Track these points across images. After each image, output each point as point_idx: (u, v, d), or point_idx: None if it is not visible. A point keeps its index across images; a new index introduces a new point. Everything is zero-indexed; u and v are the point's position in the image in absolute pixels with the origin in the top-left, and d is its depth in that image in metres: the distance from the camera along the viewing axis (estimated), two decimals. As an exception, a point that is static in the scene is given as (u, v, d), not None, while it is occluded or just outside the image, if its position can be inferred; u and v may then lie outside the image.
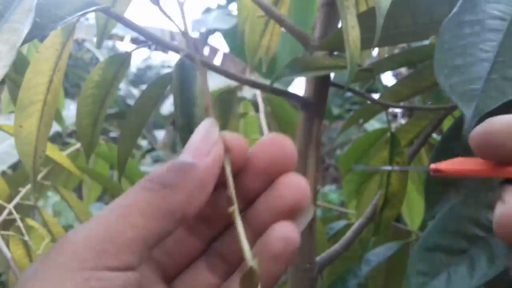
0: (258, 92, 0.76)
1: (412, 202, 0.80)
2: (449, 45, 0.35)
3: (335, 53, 0.49)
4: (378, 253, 0.62)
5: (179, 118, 0.43)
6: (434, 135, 0.59)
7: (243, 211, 0.25)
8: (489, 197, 0.32)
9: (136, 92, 4.19)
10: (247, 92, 1.19)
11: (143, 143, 4.35)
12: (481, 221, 0.32)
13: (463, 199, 0.34)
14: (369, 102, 0.58)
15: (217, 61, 3.61)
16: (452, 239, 0.32)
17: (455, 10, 0.36)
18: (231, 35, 3.99)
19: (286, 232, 0.24)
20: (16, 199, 0.69)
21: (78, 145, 0.80)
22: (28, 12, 0.32)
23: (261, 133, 0.74)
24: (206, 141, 0.24)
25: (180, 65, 0.44)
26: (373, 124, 2.40)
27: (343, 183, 0.73)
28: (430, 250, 0.32)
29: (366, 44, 0.41)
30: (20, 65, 0.62)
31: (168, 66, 5.06)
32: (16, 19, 0.31)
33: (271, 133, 0.26)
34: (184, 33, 0.30)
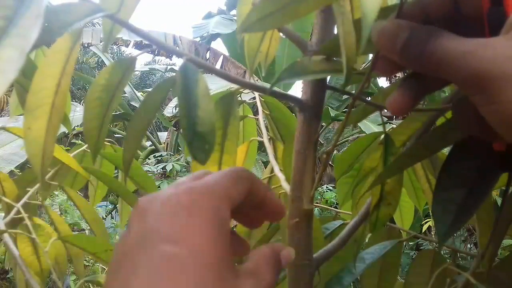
0: (257, 95, 0.78)
1: (402, 205, 0.81)
2: None
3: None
4: (373, 252, 0.64)
5: (183, 120, 0.44)
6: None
7: None
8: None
9: (140, 94, 4.22)
10: (245, 95, 1.20)
11: (147, 143, 4.37)
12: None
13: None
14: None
15: (217, 64, 3.61)
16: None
17: None
18: (231, 40, 3.99)
19: None
20: (24, 199, 0.71)
21: (85, 146, 0.82)
22: (37, 18, 0.32)
23: (260, 135, 0.76)
24: None
25: (183, 69, 0.45)
26: (370, 127, 2.41)
27: (337, 185, 0.74)
28: None
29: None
30: (28, 69, 0.63)
31: (172, 70, 5.08)
32: (25, 24, 0.31)
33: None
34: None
